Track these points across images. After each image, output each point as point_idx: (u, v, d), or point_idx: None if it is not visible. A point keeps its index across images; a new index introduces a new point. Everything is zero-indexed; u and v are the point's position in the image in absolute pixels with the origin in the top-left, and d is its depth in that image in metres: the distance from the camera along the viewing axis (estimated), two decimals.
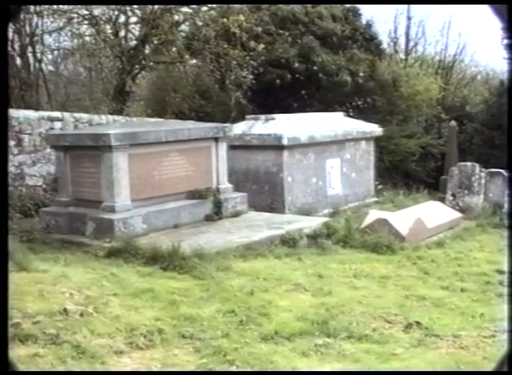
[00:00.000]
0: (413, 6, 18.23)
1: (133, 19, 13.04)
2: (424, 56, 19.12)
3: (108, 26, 12.76)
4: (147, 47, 12.89)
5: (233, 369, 3.50)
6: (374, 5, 14.54)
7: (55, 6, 11.65)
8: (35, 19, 12.50)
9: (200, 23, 12.91)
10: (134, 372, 3.44)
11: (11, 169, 8.54)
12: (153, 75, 15.34)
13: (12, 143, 8.68)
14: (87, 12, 12.22)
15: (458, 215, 9.38)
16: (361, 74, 14.05)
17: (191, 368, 3.52)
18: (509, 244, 7.10)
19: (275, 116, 10.24)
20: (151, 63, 13.18)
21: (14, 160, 8.73)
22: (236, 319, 4.35)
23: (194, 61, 13.38)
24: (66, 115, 9.70)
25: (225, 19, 11.82)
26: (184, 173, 7.75)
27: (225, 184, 8.35)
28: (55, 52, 14.51)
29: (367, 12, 15.31)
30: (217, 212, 7.88)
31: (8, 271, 2.66)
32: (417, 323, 4.45)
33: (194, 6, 12.49)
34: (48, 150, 8.98)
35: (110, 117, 10.29)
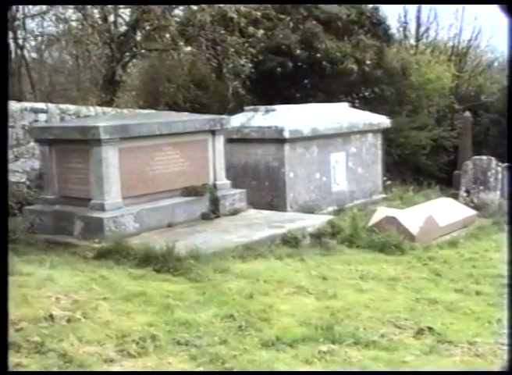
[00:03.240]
0: None
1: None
2: (437, 42, 19.04)
3: (95, 11, 12.70)
4: (138, 33, 12.85)
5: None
6: (375, 4, 14.44)
7: None
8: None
9: (195, 8, 12.87)
10: (135, 372, 3.50)
11: None
12: (145, 63, 15.33)
13: None
14: None
15: (473, 212, 9.38)
16: (368, 62, 14.01)
17: None
18: (509, 242, 7.17)
19: (275, 107, 10.24)
20: (143, 51, 13.15)
21: None
22: (235, 324, 4.35)
23: (189, 48, 13.34)
24: (51, 106, 9.69)
25: (221, 4, 11.80)
26: (179, 169, 7.75)
27: (223, 180, 8.35)
28: (39, 38, 14.46)
29: None
30: (214, 210, 7.88)
31: (8, 271, 2.71)
32: (429, 328, 4.44)
33: None
34: (32, 144, 8.97)
35: (99, 109, 10.27)
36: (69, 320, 4.06)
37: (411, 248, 7.25)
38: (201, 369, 3.61)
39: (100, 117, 9.26)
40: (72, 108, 9.89)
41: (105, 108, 10.47)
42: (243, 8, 11.80)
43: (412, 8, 18.71)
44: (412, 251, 7.16)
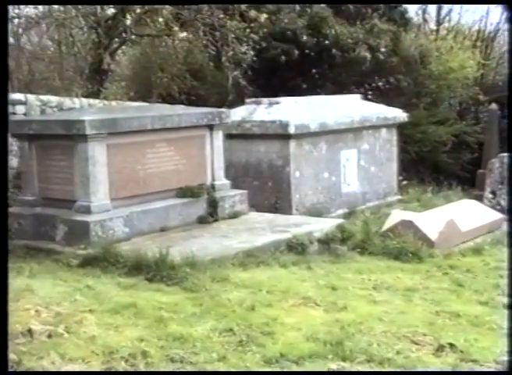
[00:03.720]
0: None
1: None
2: (460, 26, 19.00)
3: None
4: (128, 17, 12.86)
5: None
6: (376, 4, 14.46)
7: None
8: None
9: None
10: (135, 372, 3.59)
11: None
12: (135, 51, 15.34)
13: None
14: None
15: (499, 216, 9.37)
16: (383, 49, 14.04)
17: None
18: (509, 242, 7.18)
19: (279, 99, 10.26)
20: (133, 36, 13.17)
21: None
22: (235, 339, 4.35)
23: (185, 34, 13.37)
24: (31, 97, 9.70)
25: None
26: (173, 167, 7.77)
27: (222, 180, 8.38)
28: (15, 21, 14.44)
29: None
30: (212, 213, 7.91)
31: (8, 271, 2.72)
32: (451, 345, 4.43)
33: None
34: (9, 139, 8.97)
35: (84, 100, 10.29)
36: (50, 335, 4.06)
37: (430, 255, 7.24)
38: None
39: (85, 110, 9.28)
40: (54, 99, 9.91)
41: (91, 100, 10.48)
42: None
43: None
44: (431, 258, 7.16)
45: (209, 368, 3.86)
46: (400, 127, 11.82)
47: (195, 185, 7.91)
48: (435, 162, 14.81)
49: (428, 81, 15.17)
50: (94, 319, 4.44)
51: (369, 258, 7.10)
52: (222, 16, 12.32)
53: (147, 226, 7.22)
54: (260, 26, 12.85)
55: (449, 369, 4.09)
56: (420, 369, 4.06)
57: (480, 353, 4.35)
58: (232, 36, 12.36)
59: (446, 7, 18.75)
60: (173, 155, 7.78)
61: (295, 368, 3.99)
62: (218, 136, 8.36)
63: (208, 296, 5.24)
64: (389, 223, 8.00)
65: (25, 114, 9.38)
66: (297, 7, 13.78)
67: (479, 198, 10.31)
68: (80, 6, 12.36)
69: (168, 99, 12.84)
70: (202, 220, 7.79)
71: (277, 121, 9.42)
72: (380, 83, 14.22)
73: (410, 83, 14.71)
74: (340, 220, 8.26)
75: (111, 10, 13.12)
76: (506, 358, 4.24)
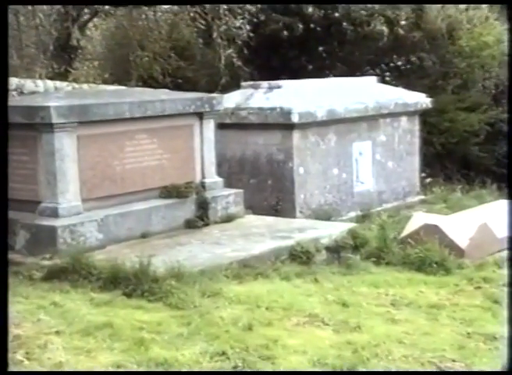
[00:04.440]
0: None
1: None
2: None
3: None
4: None
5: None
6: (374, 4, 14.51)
7: None
8: None
9: None
10: (135, 372, 3.76)
11: None
12: (110, 24, 15.30)
13: None
14: None
15: None
16: (403, 22, 14.00)
17: None
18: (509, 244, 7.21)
19: (281, 82, 10.25)
20: (107, 7, 13.15)
21: None
22: (229, 364, 4.36)
23: (168, 5, 13.36)
24: None
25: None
26: (156, 163, 7.79)
27: (213, 178, 8.40)
28: None
29: None
30: (202, 216, 7.93)
31: (8, 271, 3.04)
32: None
33: None
34: None
35: (50, 83, 10.26)
36: None
37: (459, 265, 7.25)
38: None
39: (51, 94, 9.22)
40: (13, 81, 9.88)
41: (58, 83, 10.46)
42: None
43: None
44: (460, 270, 7.16)
45: None
46: (423, 115, 11.81)
47: (182, 183, 7.91)
48: (464, 155, 14.75)
49: (458, 59, 15.06)
50: (61, 343, 4.44)
51: (386, 269, 7.11)
52: None
53: (126, 232, 7.23)
54: None
55: None
56: None
57: None
58: (225, 7, 12.34)
59: None
60: (156, 149, 7.79)
61: None
62: (209, 126, 8.36)
63: (197, 314, 5.23)
64: (409, 227, 7.99)
65: None
66: None
67: None
68: None
69: (150, 82, 12.82)
70: (190, 225, 7.81)
71: (278, 108, 9.41)
72: (399, 63, 14.15)
73: (436, 62, 14.65)
74: (352, 224, 8.28)
75: None
76: None
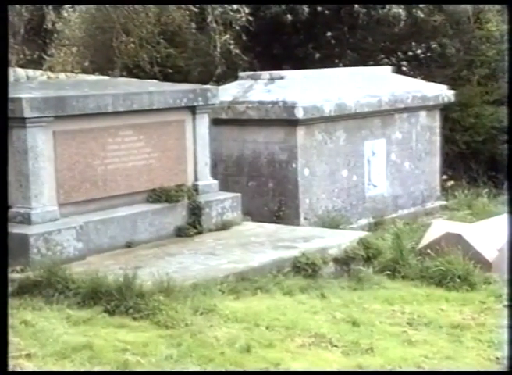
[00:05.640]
0: None
1: None
2: None
3: None
4: None
5: None
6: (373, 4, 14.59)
7: None
8: None
9: None
10: (134, 372, 3.96)
11: None
12: (90, 6, 15.23)
13: None
14: None
15: None
16: (422, 4, 13.97)
17: None
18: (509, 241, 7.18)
19: (283, 73, 10.29)
20: None
21: None
22: None
23: None
24: None
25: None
26: (143, 163, 7.77)
27: (207, 180, 8.39)
28: None
29: None
30: (194, 223, 7.92)
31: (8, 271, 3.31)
32: None
33: None
34: None
35: (21, 71, 10.25)
36: None
37: (486, 280, 7.25)
38: None
39: (23, 84, 9.21)
40: None
41: (31, 72, 10.45)
42: None
43: None
44: (487, 285, 7.16)
45: None
46: (445, 109, 11.80)
47: (172, 186, 7.91)
48: (492, 155, 14.66)
49: (485, 46, 15.01)
50: (33, 368, 4.42)
51: (402, 283, 7.12)
52: None
53: (108, 241, 7.21)
54: None
55: None
56: None
57: None
58: None
59: None
60: (143, 147, 7.77)
61: None
62: (203, 121, 8.35)
63: (189, 333, 5.22)
64: (429, 237, 8.00)
65: None
66: None
67: None
68: None
69: (136, 72, 12.83)
70: (181, 232, 7.80)
71: (280, 102, 9.40)
72: (418, 51, 14.13)
73: (460, 49, 14.60)
74: (364, 233, 8.26)
75: None
76: None
